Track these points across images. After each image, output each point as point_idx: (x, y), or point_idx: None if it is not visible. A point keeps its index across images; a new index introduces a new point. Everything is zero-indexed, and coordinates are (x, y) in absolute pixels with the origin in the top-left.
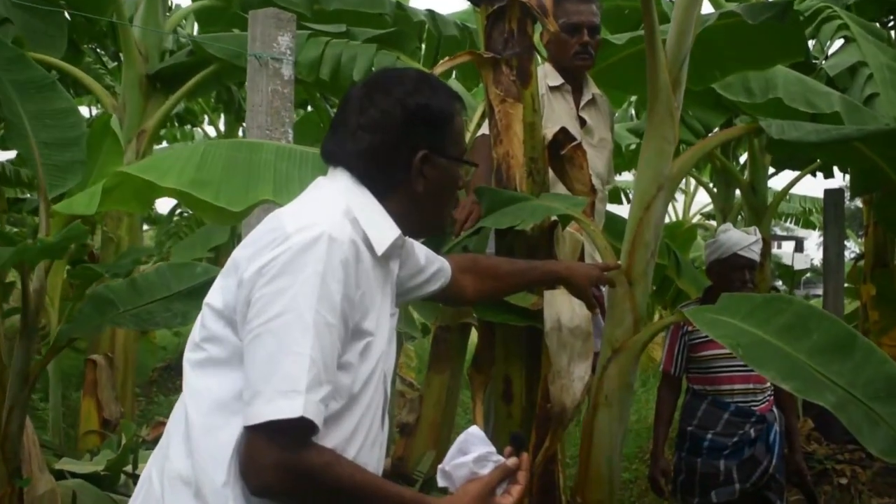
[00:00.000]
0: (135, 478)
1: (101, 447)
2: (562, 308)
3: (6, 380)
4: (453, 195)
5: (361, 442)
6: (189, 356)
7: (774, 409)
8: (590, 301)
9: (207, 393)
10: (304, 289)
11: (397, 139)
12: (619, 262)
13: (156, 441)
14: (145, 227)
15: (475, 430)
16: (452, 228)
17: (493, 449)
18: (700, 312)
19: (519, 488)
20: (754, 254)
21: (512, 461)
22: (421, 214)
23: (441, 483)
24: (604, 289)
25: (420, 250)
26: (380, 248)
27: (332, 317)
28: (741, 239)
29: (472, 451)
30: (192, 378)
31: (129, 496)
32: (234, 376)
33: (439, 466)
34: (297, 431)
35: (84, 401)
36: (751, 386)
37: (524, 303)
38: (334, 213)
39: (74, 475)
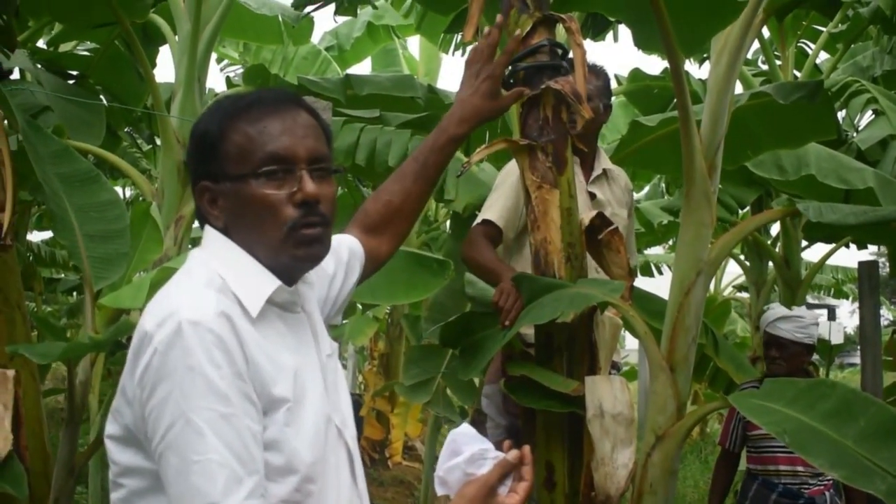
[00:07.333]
0: None
1: None
2: (604, 394)
3: (51, 471)
4: (268, 212)
5: None
6: (114, 497)
7: (828, 494)
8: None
9: None
10: (183, 391)
11: (192, 177)
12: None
13: None
14: None
15: (465, 428)
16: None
17: (488, 445)
18: (744, 398)
19: (525, 485)
20: (782, 331)
21: (513, 454)
22: (252, 251)
23: (439, 491)
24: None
25: None
26: (254, 310)
27: (225, 406)
28: (768, 315)
29: (465, 451)
30: None
31: None
32: (165, 502)
33: (434, 473)
34: None
35: None
36: (799, 469)
37: (565, 389)
38: (194, 290)
39: None
